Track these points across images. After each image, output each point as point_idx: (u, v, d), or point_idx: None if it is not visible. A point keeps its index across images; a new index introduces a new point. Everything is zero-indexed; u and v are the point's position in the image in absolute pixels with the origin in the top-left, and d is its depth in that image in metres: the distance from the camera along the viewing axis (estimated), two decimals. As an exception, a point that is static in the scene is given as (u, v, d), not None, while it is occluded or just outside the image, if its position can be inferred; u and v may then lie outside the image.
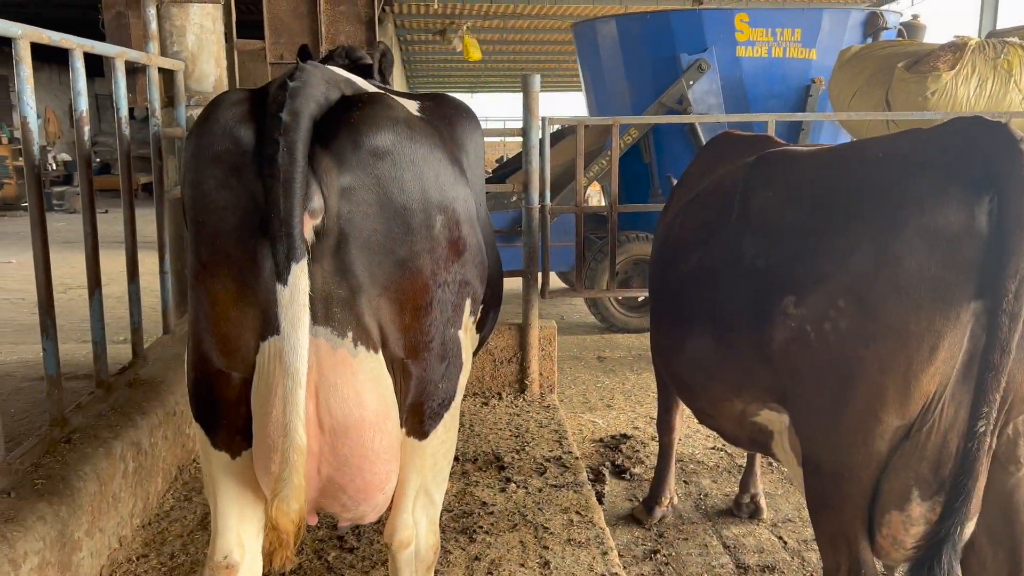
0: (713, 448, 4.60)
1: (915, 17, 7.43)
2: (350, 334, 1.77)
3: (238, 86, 4.63)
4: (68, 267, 9.39)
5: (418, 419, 1.97)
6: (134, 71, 3.97)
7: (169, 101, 4.17)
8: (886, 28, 7.05)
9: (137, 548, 3.14)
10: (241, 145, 1.70)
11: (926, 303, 1.96)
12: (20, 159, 18.56)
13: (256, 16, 4.68)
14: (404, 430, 1.97)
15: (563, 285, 8.71)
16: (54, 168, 19.62)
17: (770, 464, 4.38)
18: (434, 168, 1.85)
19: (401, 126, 1.79)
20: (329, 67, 1.97)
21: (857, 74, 5.90)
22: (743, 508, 3.84)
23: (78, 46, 3.03)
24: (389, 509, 2.08)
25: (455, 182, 1.93)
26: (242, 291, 1.74)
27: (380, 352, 1.83)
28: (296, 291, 1.61)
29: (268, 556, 1.68)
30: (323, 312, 1.74)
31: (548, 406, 4.79)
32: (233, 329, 1.76)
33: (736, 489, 4.02)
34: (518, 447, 4.16)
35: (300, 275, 1.62)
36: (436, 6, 15.40)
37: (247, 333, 1.76)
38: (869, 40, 7.02)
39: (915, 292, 1.97)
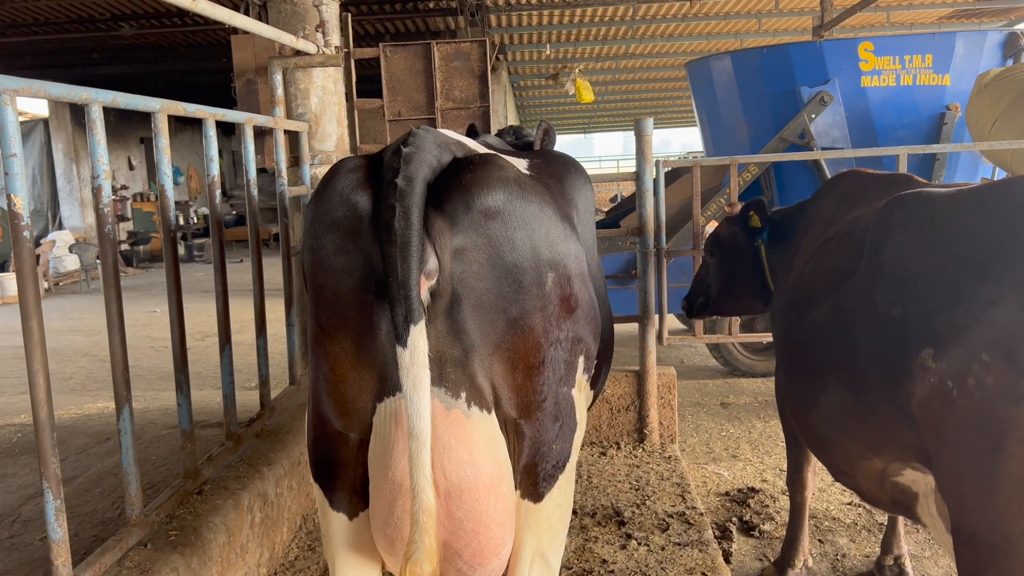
0: (850, 504, 4.31)
1: (1060, 35, 6.90)
2: (463, 394, 1.75)
3: (359, 144, 4.81)
4: (207, 315, 9.95)
5: (532, 481, 1.92)
6: (262, 133, 4.17)
7: (294, 161, 4.37)
8: (1028, 48, 6.59)
9: (263, 598, 3.21)
10: (358, 211, 1.73)
11: (1090, 359, 1.76)
12: (166, 215, 20.02)
13: (372, 71, 4.86)
14: (518, 492, 1.92)
15: (681, 327, 8.50)
16: (195, 222, 21.00)
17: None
18: (544, 225, 1.83)
19: (511, 185, 1.78)
20: (441, 130, 1.98)
21: (998, 99, 5.51)
22: (886, 571, 3.55)
23: (210, 115, 3.21)
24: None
25: (566, 238, 1.89)
26: (359, 353, 1.75)
27: (493, 412, 1.81)
28: (416, 352, 1.62)
29: None
30: (437, 372, 1.73)
31: (669, 457, 4.64)
32: (351, 390, 1.78)
33: (877, 549, 3.73)
34: (638, 501, 4.03)
35: (419, 337, 1.62)
36: (548, 52, 15.65)
37: (364, 394, 1.77)
38: (1010, 62, 6.57)
39: (1076, 347, 1.78)
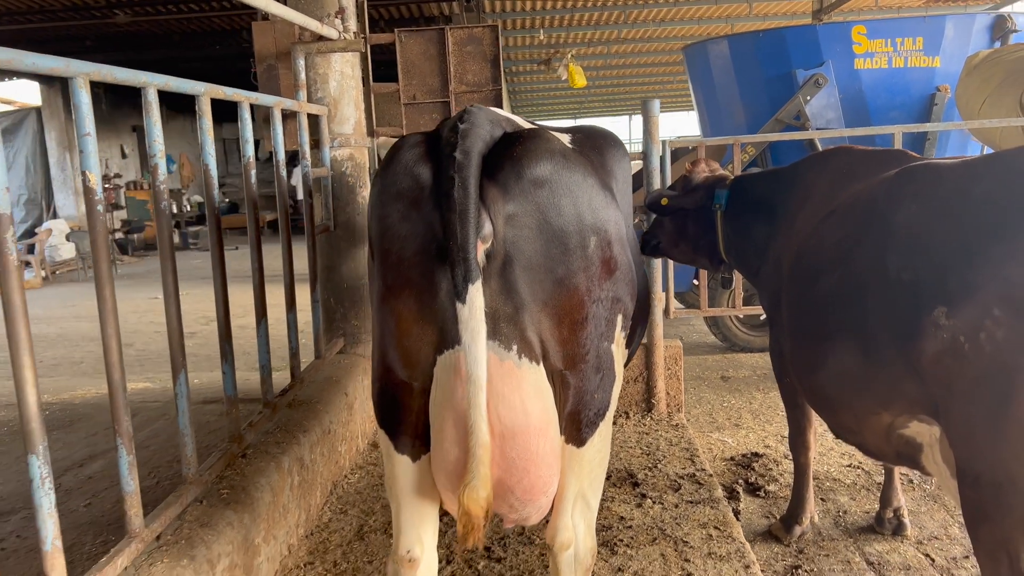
0: (849, 466, 4.53)
1: (1046, 17, 7.11)
2: (515, 347, 1.94)
3: (375, 127, 4.96)
4: (208, 301, 10.08)
5: (576, 427, 2.11)
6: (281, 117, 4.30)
7: (315, 143, 4.51)
8: (1015, 31, 6.78)
9: (303, 556, 3.39)
10: (420, 182, 1.91)
11: (1089, 309, 1.95)
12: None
13: (388, 56, 4.99)
14: (563, 438, 2.11)
15: (679, 305, 8.71)
16: (189, 210, 21.02)
17: (911, 481, 4.28)
18: (587, 193, 2.01)
19: (558, 157, 1.96)
20: (491, 108, 2.16)
21: (986, 80, 5.72)
22: (886, 524, 3.77)
23: (246, 99, 3.36)
24: (550, 513, 2.23)
25: (606, 206, 2.08)
26: (422, 310, 1.94)
27: (541, 364, 1.99)
28: (474, 308, 1.80)
29: (462, 538, 1.86)
30: (491, 327, 1.91)
31: (677, 425, 4.84)
32: (414, 344, 1.96)
33: (876, 506, 3.96)
34: (650, 465, 4.23)
35: (476, 294, 1.81)
36: (542, 37, 15.76)
37: (426, 347, 1.96)
38: (997, 44, 6.77)
39: (1078, 298, 1.97)
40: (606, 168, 2.33)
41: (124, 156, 20.63)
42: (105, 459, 4.30)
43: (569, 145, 2.13)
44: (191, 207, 21.52)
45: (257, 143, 23.81)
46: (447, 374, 1.93)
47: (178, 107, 21.49)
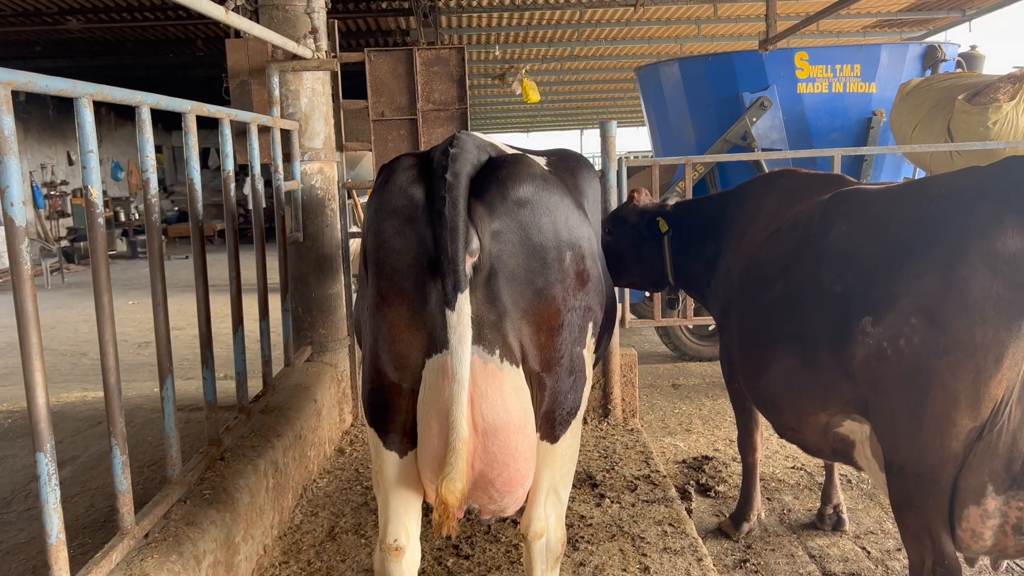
0: (793, 468, 4.82)
1: (973, 47, 7.60)
2: (498, 351, 2.14)
3: (344, 142, 5.12)
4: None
5: (550, 425, 2.32)
6: (244, 131, 4.44)
7: (286, 157, 4.65)
8: (945, 60, 7.24)
9: (277, 555, 3.52)
10: (414, 201, 2.11)
11: (991, 318, 2.24)
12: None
13: (356, 68, 5.14)
14: (538, 435, 2.31)
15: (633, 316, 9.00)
16: (137, 218, 20.70)
17: (849, 481, 4.58)
18: (564, 213, 2.23)
19: (538, 180, 2.18)
20: (476, 134, 2.36)
21: (918, 107, 6.13)
22: (826, 520, 4.05)
23: (226, 115, 3.50)
24: (524, 505, 2.42)
25: (580, 223, 2.30)
26: (413, 317, 2.13)
27: (520, 367, 2.20)
28: (461, 314, 2.00)
29: (437, 527, 2.05)
30: (476, 333, 2.11)
31: (632, 429, 5.08)
32: (405, 348, 2.15)
33: (817, 505, 4.24)
34: (608, 467, 4.46)
35: (464, 302, 2.01)
36: (497, 52, 16.03)
37: (416, 351, 2.14)
38: (928, 73, 7.22)
39: (980, 309, 2.25)
40: (579, 189, 2.56)
41: (71, 163, 20.24)
42: (74, 465, 4.36)
43: (546, 168, 2.35)
44: (139, 215, 21.18)
45: (206, 152, 23.61)
46: (435, 376, 2.11)
47: (127, 114, 21.17)
